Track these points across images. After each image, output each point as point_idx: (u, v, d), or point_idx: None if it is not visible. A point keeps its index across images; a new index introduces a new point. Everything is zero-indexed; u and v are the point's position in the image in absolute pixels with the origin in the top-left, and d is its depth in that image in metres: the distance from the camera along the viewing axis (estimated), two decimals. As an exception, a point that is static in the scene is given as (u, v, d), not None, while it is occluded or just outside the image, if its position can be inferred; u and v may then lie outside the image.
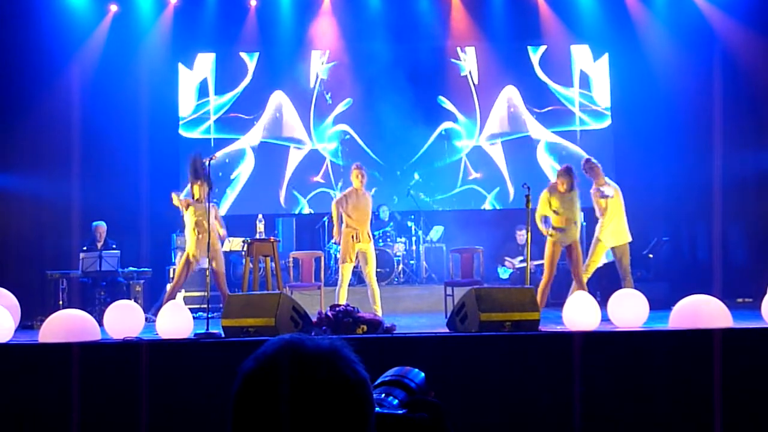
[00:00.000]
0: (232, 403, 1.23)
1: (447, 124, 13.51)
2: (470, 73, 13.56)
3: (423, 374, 1.52)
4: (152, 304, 10.76)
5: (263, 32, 13.21)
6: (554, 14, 13.04)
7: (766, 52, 11.52)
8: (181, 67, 13.29)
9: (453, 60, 13.57)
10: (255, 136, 13.49)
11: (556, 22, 13.05)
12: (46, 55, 11.84)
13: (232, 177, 13.39)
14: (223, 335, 6.98)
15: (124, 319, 7.46)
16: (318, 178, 13.45)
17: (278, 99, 13.51)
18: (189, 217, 9.20)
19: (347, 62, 13.54)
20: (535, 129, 13.42)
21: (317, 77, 13.57)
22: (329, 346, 1.25)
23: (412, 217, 12.54)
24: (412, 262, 12.26)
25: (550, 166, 13.04)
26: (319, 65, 13.57)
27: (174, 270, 10.89)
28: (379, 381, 1.47)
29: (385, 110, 13.25)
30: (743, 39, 11.76)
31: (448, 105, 13.53)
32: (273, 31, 13.16)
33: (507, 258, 11.89)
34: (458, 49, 13.54)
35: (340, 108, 13.51)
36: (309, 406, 1.18)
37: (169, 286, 9.48)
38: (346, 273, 9.40)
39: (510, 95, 13.47)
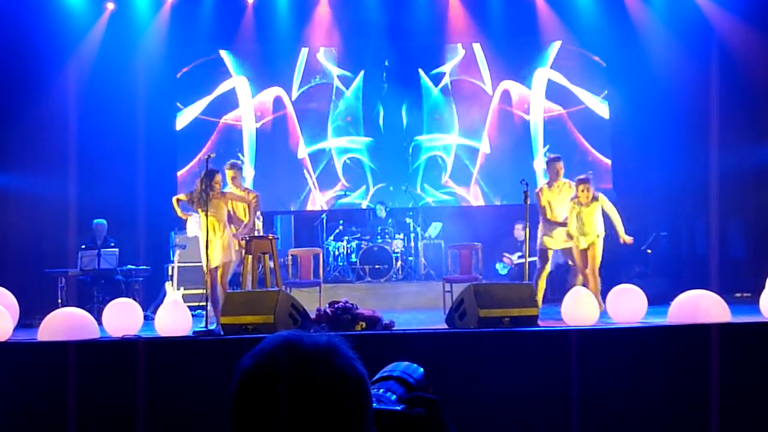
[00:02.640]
0: (230, 401, 1.23)
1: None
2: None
3: (422, 369, 1.51)
4: (151, 301, 10.76)
5: (260, 30, 13.19)
6: (551, 11, 13.02)
7: (763, 48, 11.52)
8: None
9: (454, 45, 13.57)
10: (251, 132, 13.52)
11: (552, 18, 13.03)
12: (42, 54, 11.82)
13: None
14: (221, 333, 6.99)
15: (122, 317, 7.46)
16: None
17: (275, 97, 13.51)
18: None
19: (345, 59, 13.56)
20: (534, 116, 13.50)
21: (316, 74, 13.58)
22: (327, 343, 1.25)
23: (411, 213, 12.55)
24: (410, 258, 12.26)
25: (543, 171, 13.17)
26: (317, 62, 13.57)
27: (172, 267, 10.90)
28: (377, 376, 1.47)
29: (383, 107, 13.33)
30: (741, 34, 11.75)
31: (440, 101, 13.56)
32: (270, 28, 13.14)
33: (505, 254, 11.90)
34: (448, 46, 13.57)
35: (341, 106, 13.54)
36: (306, 404, 1.18)
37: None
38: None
39: (507, 90, 13.49)
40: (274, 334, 1.27)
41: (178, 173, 13.24)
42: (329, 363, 1.22)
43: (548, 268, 9.49)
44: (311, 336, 1.25)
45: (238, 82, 13.49)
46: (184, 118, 13.39)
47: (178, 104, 13.36)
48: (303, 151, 13.47)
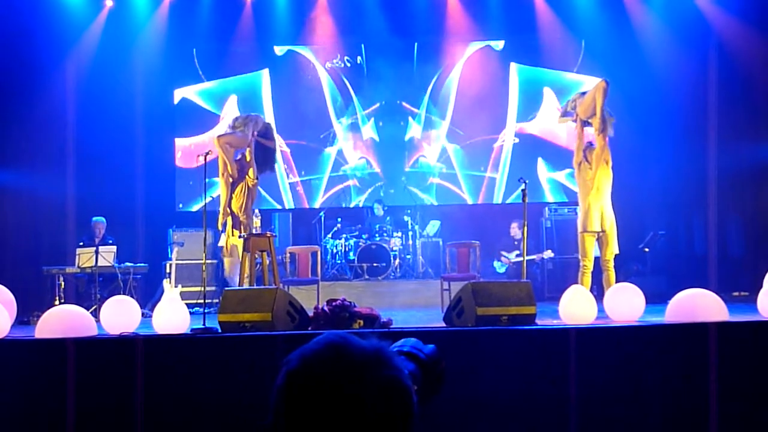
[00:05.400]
0: (274, 398, 1.24)
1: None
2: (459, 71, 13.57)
3: (432, 345, 1.54)
4: (149, 299, 10.75)
5: (259, 27, 13.17)
6: (550, 9, 13.01)
7: (761, 47, 11.53)
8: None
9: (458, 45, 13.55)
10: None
11: (549, 14, 13.01)
12: (41, 51, 11.80)
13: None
14: (219, 330, 6.98)
15: (120, 315, 7.45)
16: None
17: (274, 95, 13.51)
18: None
19: (344, 56, 13.54)
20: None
21: (313, 72, 13.57)
22: (374, 350, 1.25)
23: (409, 211, 12.55)
24: (408, 256, 12.26)
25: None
26: (315, 60, 13.56)
27: (170, 265, 10.90)
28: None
29: (382, 108, 13.35)
30: (738, 32, 11.76)
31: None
32: (269, 25, 13.12)
33: (503, 253, 11.90)
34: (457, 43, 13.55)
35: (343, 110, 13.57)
36: (351, 411, 1.19)
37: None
38: None
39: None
40: (322, 336, 1.28)
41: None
42: (376, 371, 1.22)
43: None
44: (359, 342, 1.26)
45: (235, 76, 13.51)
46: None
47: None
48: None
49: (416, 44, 13.45)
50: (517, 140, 13.39)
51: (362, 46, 13.43)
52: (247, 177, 9.35)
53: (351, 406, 1.19)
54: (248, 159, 9.42)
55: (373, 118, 13.48)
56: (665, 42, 12.28)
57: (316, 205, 13.30)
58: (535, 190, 12.73)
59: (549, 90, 13.35)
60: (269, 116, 12.85)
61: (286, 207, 13.22)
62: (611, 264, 8.76)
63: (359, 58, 13.49)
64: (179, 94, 13.32)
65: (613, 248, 8.81)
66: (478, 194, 13.43)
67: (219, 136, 9.50)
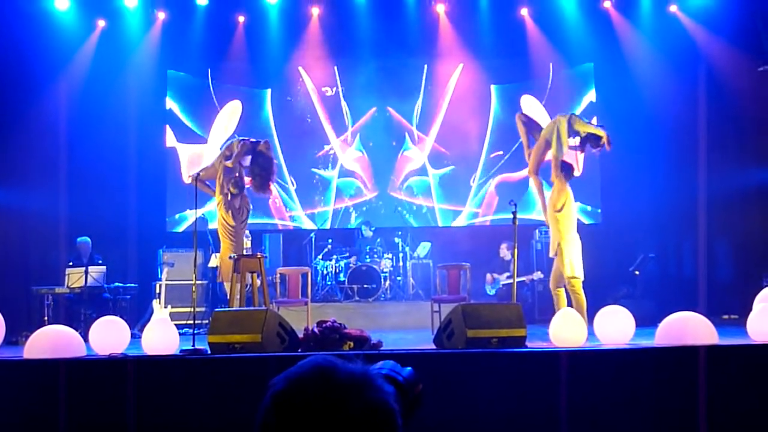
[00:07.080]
0: (260, 421, 1.23)
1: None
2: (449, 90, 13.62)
3: (410, 368, 1.54)
4: (138, 319, 10.71)
5: (251, 48, 13.20)
6: (540, 31, 13.07)
7: (750, 70, 11.63)
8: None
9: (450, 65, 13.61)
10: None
11: (541, 38, 13.08)
12: (34, 70, 11.81)
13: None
14: (209, 351, 6.95)
15: (109, 335, 7.42)
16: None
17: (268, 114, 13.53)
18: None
19: (335, 77, 13.58)
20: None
21: (305, 92, 13.60)
22: (361, 374, 1.25)
23: (399, 233, 12.56)
24: (399, 278, 12.26)
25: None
26: (308, 82, 13.59)
27: (159, 285, 10.88)
28: None
29: (373, 128, 13.38)
30: (728, 57, 11.87)
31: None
32: (261, 46, 13.15)
33: (492, 274, 11.89)
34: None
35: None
36: None
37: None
38: None
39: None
40: (310, 358, 1.27)
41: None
42: (361, 395, 1.22)
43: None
44: (346, 365, 1.26)
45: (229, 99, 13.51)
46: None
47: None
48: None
49: (425, 67, 13.48)
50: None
51: (336, 69, 13.46)
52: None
53: (333, 428, 1.18)
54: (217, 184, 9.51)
55: (359, 135, 13.48)
56: (655, 66, 12.37)
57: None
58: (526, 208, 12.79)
59: (528, 97, 13.36)
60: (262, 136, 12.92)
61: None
62: (557, 287, 8.92)
63: (341, 88, 13.51)
64: (169, 104, 13.33)
65: (557, 270, 8.94)
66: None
67: (189, 175, 9.66)
